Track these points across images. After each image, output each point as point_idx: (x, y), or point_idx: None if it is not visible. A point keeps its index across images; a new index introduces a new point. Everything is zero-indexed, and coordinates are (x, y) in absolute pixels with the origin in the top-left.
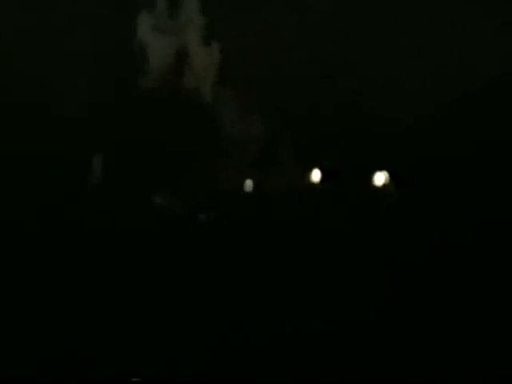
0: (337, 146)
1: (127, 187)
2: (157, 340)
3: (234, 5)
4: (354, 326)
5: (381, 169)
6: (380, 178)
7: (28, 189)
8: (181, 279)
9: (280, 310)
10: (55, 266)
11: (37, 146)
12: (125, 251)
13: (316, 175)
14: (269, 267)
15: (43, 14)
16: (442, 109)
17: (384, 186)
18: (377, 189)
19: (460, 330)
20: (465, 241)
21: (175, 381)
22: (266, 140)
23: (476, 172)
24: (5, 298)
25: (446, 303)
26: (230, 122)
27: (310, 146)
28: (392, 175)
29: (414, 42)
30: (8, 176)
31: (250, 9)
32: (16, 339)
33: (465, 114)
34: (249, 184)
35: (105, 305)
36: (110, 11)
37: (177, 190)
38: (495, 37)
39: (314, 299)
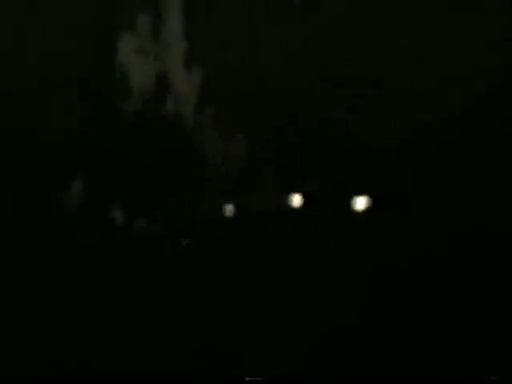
0: (320, 170)
1: (106, 211)
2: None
3: (216, 28)
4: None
5: (362, 193)
6: (361, 203)
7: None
8: (160, 304)
9: (259, 335)
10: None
11: (16, 171)
12: (102, 276)
13: (297, 200)
14: (250, 292)
15: (20, 34)
16: (425, 132)
17: (365, 210)
18: (358, 213)
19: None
20: (449, 263)
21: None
22: (248, 163)
23: (461, 194)
24: None
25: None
26: (211, 145)
27: (293, 170)
28: (374, 200)
29: (398, 65)
30: None
31: (232, 32)
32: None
33: (449, 136)
34: (230, 208)
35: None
36: (90, 32)
37: (157, 215)
38: (492, 49)
39: (294, 323)
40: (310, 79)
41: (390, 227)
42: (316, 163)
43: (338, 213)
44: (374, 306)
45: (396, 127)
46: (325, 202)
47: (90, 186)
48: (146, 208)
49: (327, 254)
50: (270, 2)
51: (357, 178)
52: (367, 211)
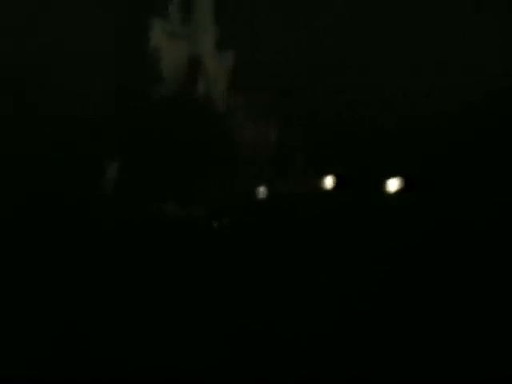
0: (351, 152)
1: (140, 194)
2: (163, 343)
3: (247, 10)
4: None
5: (394, 175)
6: (393, 184)
7: (39, 193)
8: (194, 285)
9: (291, 313)
10: (64, 272)
11: (50, 152)
12: (137, 257)
13: (329, 181)
14: (281, 272)
15: (57, 23)
16: (455, 110)
17: (397, 191)
18: (390, 195)
19: (471, 333)
20: (480, 245)
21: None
22: (280, 146)
23: (493, 173)
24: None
25: (463, 309)
26: (243, 127)
27: (325, 152)
28: (406, 181)
29: (420, 47)
30: (20, 180)
31: (263, 14)
32: (15, 339)
33: (478, 114)
34: (262, 191)
35: (114, 313)
36: (122, 17)
37: (190, 197)
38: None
39: (325, 304)
40: (341, 65)
41: (421, 209)
42: (348, 146)
43: (370, 195)
44: (403, 285)
45: (427, 111)
46: (357, 184)
47: (125, 170)
48: (178, 190)
49: (359, 236)
50: None
51: (388, 160)
52: (399, 193)
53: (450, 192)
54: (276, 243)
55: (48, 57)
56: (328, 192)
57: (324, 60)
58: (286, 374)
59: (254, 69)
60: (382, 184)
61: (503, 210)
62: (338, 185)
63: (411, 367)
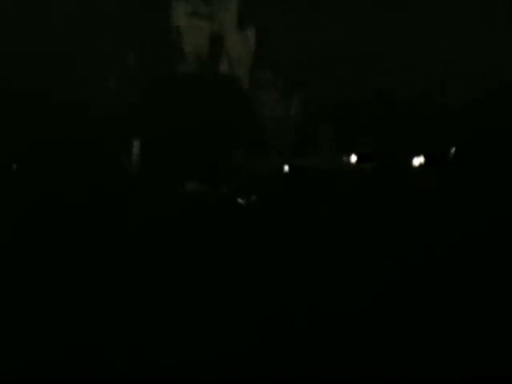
0: (375, 130)
1: (166, 172)
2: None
3: None
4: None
5: (418, 153)
6: (417, 162)
7: (66, 174)
8: (221, 264)
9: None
10: (90, 250)
11: (75, 132)
12: (165, 235)
13: (354, 159)
14: (308, 251)
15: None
16: (480, 94)
17: (421, 168)
18: (414, 172)
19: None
20: (508, 227)
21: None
22: (304, 124)
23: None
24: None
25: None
26: (267, 106)
27: (349, 129)
28: (429, 159)
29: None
30: (47, 162)
31: None
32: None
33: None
34: (287, 168)
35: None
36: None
37: (215, 175)
38: None
39: (352, 280)
40: (366, 44)
41: (443, 185)
42: (371, 124)
43: (393, 171)
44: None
45: (448, 89)
46: (379, 160)
47: (149, 149)
48: (203, 169)
49: (385, 213)
50: None
51: (410, 137)
52: (421, 168)
53: (480, 172)
54: (301, 220)
55: (70, 39)
56: (352, 167)
57: (347, 40)
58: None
59: (276, 47)
60: (406, 161)
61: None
62: (361, 161)
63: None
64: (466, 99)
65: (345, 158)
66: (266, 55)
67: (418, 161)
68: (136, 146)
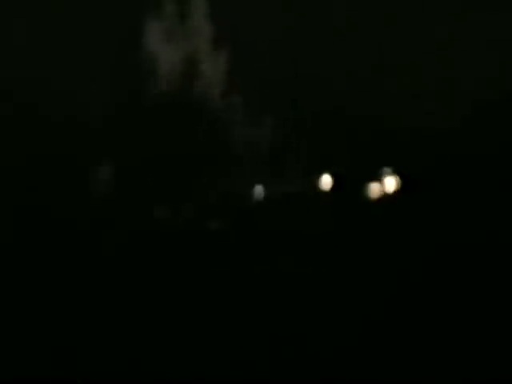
0: (347, 151)
1: (134, 195)
2: (161, 346)
3: (242, 10)
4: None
5: (391, 174)
6: (390, 183)
7: (32, 194)
8: (189, 287)
9: (286, 315)
10: (54, 276)
11: (43, 153)
12: (131, 260)
13: (326, 181)
14: (278, 274)
15: (50, 23)
16: (456, 112)
17: (394, 191)
18: (387, 194)
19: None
20: (477, 246)
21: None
22: (276, 146)
23: (491, 175)
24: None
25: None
26: (239, 128)
27: (321, 151)
28: (402, 180)
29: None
30: (14, 181)
31: (258, 14)
32: (15, 339)
33: (477, 117)
34: (258, 190)
35: (109, 317)
36: (118, 19)
37: (186, 197)
38: None
39: (321, 305)
40: (337, 65)
41: (420, 209)
42: (343, 146)
43: (364, 195)
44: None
45: (425, 111)
46: (352, 184)
47: (119, 171)
48: (173, 191)
49: (356, 235)
50: None
51: (385, 160)
52: (396, 193)
53: (450, 193)
54: (271, 244)
55: (44, 61)
56: (324, 192)
57: (320, 60)
58: (289, 376)
59: (249, 68)
60: (380, 184)
61: (504, 210)
62: (334, 185)
63: (412, 368)
64: (443, 122)
65: (317, 182)
66: (238, 77)
67: (392, 182)
68: (106, 168)
